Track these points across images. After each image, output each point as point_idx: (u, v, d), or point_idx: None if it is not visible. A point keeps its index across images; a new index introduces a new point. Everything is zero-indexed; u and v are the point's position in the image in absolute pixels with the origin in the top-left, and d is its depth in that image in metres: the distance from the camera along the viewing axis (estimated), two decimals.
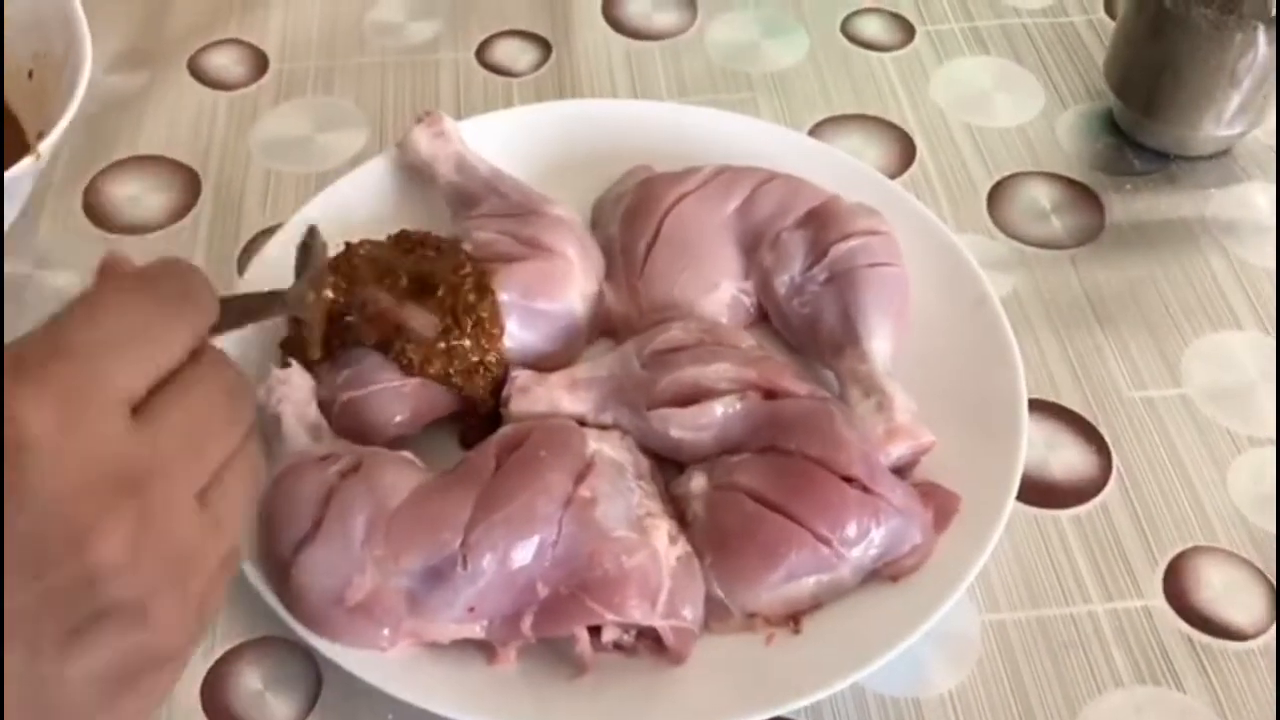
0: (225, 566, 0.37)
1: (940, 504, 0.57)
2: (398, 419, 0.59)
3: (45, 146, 0.60)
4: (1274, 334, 0.68)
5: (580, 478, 0.54)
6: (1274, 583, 0.59)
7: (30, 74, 0.67)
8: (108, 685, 0.34)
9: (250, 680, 0.55)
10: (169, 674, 0.36)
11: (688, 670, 0.53)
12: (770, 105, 0.80)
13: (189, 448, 0.35)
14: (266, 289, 0.50)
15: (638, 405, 0.58)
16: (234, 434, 0.37)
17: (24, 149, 0.61)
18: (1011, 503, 0.56)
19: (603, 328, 0.65)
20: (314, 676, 0.55)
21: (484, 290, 0.60)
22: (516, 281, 0.61)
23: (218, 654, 0.56)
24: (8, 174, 0.58)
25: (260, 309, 0.46)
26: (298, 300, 0.49)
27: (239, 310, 0.43)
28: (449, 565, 0.52)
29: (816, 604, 0.54)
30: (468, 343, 0.59)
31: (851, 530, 0.54)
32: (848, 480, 0.55)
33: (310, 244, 0.51)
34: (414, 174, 0.69)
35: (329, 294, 0.52)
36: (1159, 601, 0.58)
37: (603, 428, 0.58)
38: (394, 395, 0.58)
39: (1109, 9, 0.86)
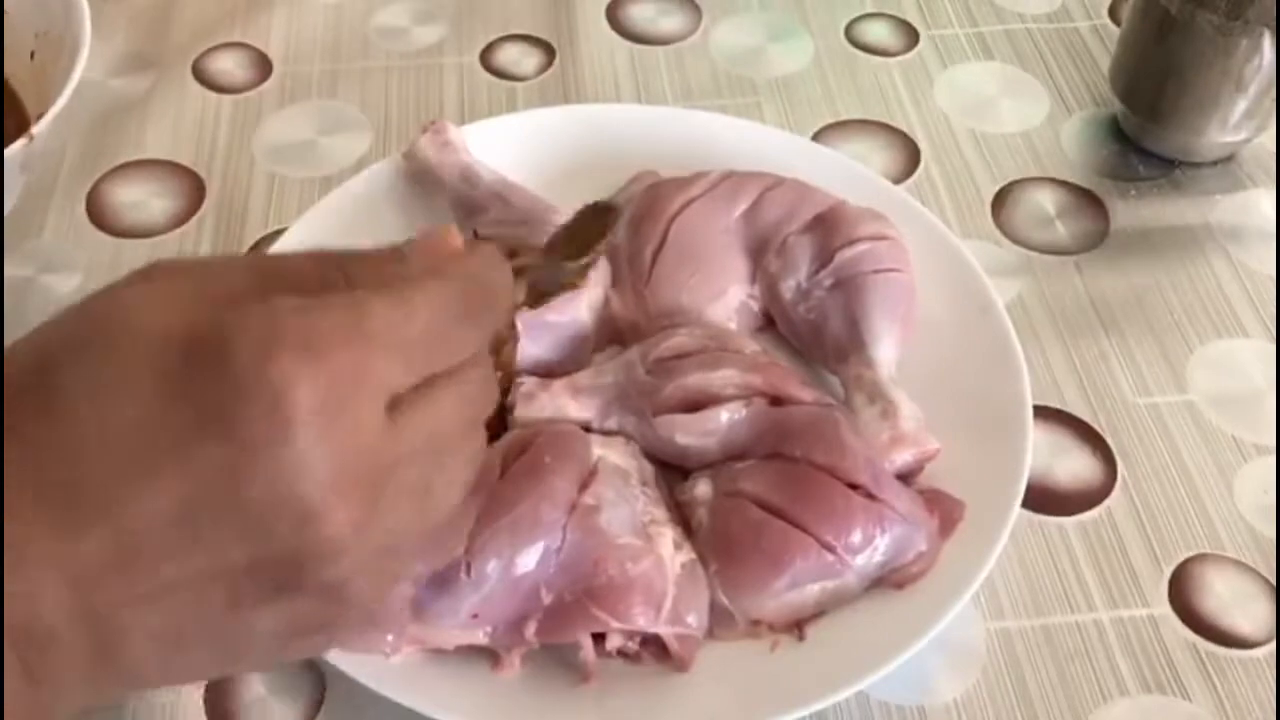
0: (424, 540, 0.39)
1: (945, 511, 0.56)
2: None
3: (40, 127, 0.59)
4: (1275, 341, 0.68)
5: (585, 484, 0.54)
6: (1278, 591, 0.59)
7: (33, 55, 0.66)
8: (289, 637, 0.36)
9: (254, 686, 0.55)
10: (348, 626, 0.38)
11: (692, 677, 0.53)
12: (775, 110, 0.80)
13: (429, 448, 0.37)
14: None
15: (643, 411, 0.58)
16: (471, 435, 0.40)
17: (27, 131, 0.61)
18: (1017, 510, 0.56)
19: (609, 335, 0.64)
20: (318, 683, 0.55)
21: None
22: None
23: None
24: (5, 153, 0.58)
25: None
26: (573, 267, 0.49)
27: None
28: (453, 571, 0.52)
29: (821, 611, 0.54)
30: None
31: (856, 537, 0.54)
32: (853, 487, 0.55)
33: (603, 218, 0.51)
34: (418, 180, 0.69)
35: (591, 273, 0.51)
36: (1164, 609, 0.58)
37: (607, 434, 0.58)
38: None
39: (1114, 14, 0.86)
